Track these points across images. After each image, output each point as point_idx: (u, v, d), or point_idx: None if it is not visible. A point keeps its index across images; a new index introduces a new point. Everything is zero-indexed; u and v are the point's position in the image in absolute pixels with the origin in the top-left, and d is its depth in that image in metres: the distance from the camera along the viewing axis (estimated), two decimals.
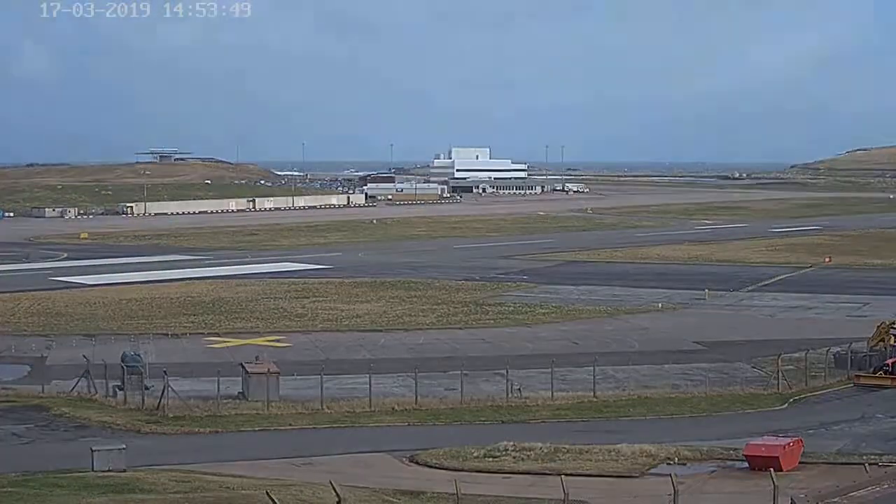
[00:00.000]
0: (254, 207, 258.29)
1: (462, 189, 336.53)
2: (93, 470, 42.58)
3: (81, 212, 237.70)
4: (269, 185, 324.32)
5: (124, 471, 42.51)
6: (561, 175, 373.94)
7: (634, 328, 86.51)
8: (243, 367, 61.85)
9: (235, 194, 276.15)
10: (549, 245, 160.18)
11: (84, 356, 65.13)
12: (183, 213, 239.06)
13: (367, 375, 59.74)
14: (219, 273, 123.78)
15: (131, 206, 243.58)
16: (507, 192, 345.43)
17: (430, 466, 46.25)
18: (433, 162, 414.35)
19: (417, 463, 47.09)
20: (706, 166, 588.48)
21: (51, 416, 56.25)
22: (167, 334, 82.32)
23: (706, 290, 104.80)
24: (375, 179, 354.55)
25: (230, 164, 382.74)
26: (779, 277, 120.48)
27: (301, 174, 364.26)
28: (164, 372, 58.47)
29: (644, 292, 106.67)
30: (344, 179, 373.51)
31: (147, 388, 59.23)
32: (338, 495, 28.73)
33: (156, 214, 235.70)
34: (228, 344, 78.64)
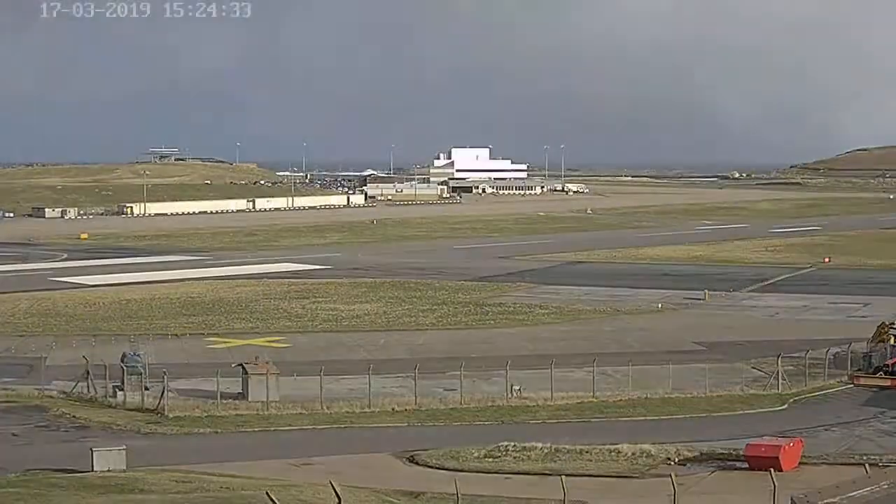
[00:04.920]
0: (253, 208, 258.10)
1: (462, 189, 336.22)
2: (93, 470, 42.61)
3: (81, 212, 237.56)
4: (269, 185, 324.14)
5: (124, 471, 42.54)
6: (561, 175, 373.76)
7: (634, 328, 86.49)
8: (243, 367, 61.88)
9: (235, 194, 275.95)
10: (549, 245, 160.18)
11: (84, 356, 65.15)
12: (183, 214, 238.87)
13: (367, 375, 59.76)
14: (219, 273, 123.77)
15: (131, 207, 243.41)
16: (506, 192, 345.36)
17: (430, 466, 46.28)
18: (433, 162, 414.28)
19: (417, 463, 47.12)
20: (706, 166, 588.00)
21: (51, 416, 56.33)
22: (167, 335, 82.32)
23: (706, 291, 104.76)
24: (375, 180, 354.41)
25: (230, 164, 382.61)
26: (779, 277, 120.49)
27: (301, 174, 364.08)
28: (164, 372, 58.51)
29: (644, 292, 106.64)
30: (344, 179, 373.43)
31: (147, 389, 59.30)
32: (338, 496, 28.70)
33: (156, 215, 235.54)
34: (228, 344, 78.64)
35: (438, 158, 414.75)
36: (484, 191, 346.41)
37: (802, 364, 66.41)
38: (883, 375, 65.03)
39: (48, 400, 59.74)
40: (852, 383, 64.95)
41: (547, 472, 43.59)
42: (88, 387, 61.26)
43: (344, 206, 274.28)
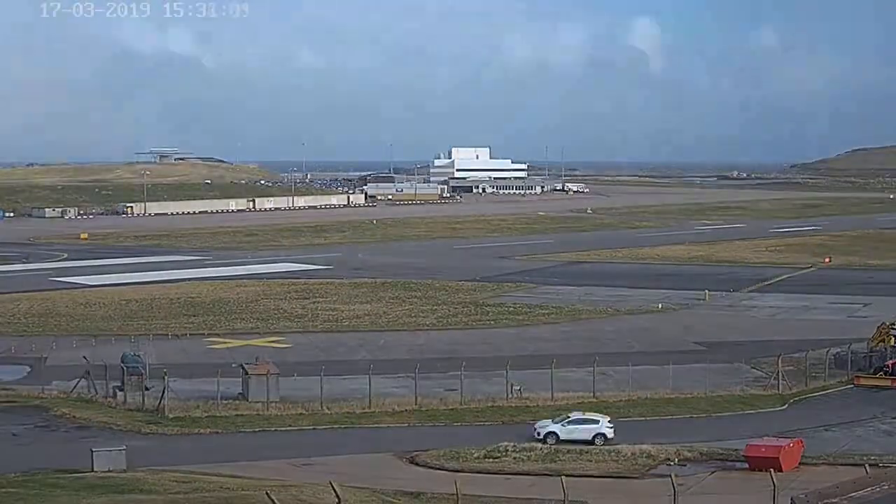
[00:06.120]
0: (254, 207, 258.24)
1: (462, 189, 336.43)
2: (93, 470, 42.63)
3: (81, 212, 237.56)
4: (269, 185, 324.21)
5: (124, 471, 42.56)
6: (561, 175, 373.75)
7: (634, 328, 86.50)
8: (243, 367, 61.91)
9: (235, 194, 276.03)
10: (549, 245, 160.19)
11: (84, 357, 65.18)
12: (183, 213, 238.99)
13: (367, 376, 59.77)
14: (219, 273, 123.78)
15: (131, 207, 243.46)
16: (507, 192, 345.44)
17: (430, 467, 46.33)
18: (433, 162, 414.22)
19: (417, 463, 47.17)
20: (706, 166, 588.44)
21: (51, 416, 56.36)
22: (167, 335, 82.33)
23: (706, 291, 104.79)
24: (375, 179, 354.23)
25: (230, 164, 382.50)
26: (779, 277, 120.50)
27: (301, 174, 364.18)
28: (164, 372, 58.53)
29: (644, 292, 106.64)
30: (344, 179, 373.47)
31: (147, 389, 59.31)
32: (338, 496, 28.73)
33: (156, 214, 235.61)
34: (229, 345, 78.66)
35: (438, 158, 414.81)
36: (484, 190, 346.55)
37: (802, 364, 66.44)
38: (883, 375, 65.08)
39: (48, 400, 59.74)
40: (853, 383, 64.98)
41: (547, 472, 43.60)
42: (88, 387, 61.29)
43: (344, 205, 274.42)
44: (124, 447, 44.61)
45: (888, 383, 64.15)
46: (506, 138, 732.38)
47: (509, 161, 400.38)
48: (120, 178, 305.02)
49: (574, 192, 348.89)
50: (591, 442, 50.33)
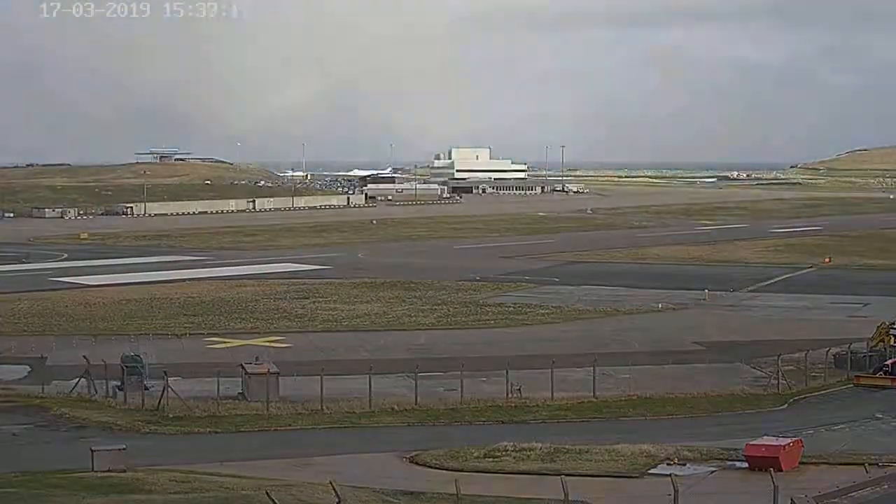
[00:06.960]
0: (254, 208, 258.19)
1: (462, 189, 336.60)
2: (93, 470, 42.60)
3: (81, 212, 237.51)
4: (270, 185, 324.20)
5: (124, 471, 42.52)
6: (561, 175, 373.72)
7: (634, 328, 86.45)
8: (243, 367, 61.87)
9: (235, 194, 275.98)
10: (549, 245, 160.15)
11: (84, 356, 65.11)
12: (183, 214, 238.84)
13: (367, 375, 59.73)
14: (219, 273, 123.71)
15: (131, 207, 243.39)
16: (507, 192, 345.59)
17: (430, 467, 46.27)
18: (433, 162, 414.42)
19: (417, 463, 47.12)
20: (706, 166, 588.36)
21: (51, 416, 56.31)
22: (167, 335, 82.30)
23: (706, 291, 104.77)
24: (375, 180, 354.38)
25: (230, 164, 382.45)
26: (779, 277, 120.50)
27: (301, 174, 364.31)
28: (164, 372, 58.51)
29: (644, 292, 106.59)
30: (344, 179, 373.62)
31: (147, 389, 59.30)
32: (338, 496, 28.76)
33: (156, 215, 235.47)
34: (228, 344, 78.63)
35: (438, 158, 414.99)
36: (484, 191, 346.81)
37: (802, 364, 66.41)
38: (883, 375, 65.06)
39: (48, 400, 59.73)
40: (853, 383, 64.97)
41: (547, 472, 43.55)
42: (88, 387, 61.26)
43: (344, 206, 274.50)
44: (124, 447, 44.55)
45: (888, 383, 64.12)
46: (505, 138, 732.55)
47: (509, 161, 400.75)
48: (120, 179, 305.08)
49: (574, 192, 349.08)
50: None
